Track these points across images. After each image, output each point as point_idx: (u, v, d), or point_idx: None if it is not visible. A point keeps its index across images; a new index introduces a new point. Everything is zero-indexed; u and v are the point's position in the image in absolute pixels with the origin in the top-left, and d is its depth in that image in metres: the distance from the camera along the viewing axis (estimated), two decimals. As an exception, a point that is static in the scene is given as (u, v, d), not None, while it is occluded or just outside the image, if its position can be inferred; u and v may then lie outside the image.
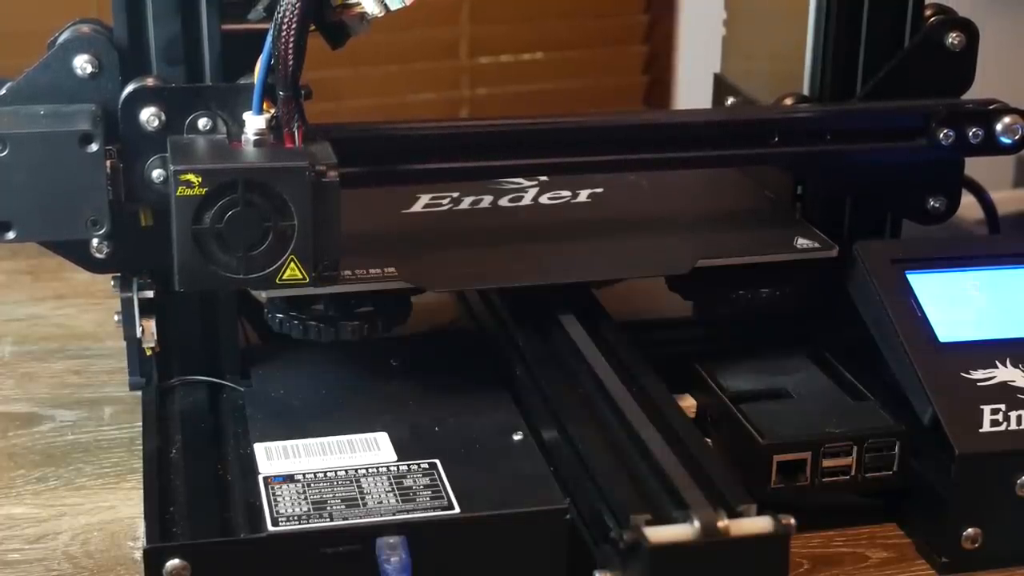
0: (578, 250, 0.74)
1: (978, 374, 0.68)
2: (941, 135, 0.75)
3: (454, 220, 0.77)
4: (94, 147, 0.63)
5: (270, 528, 0.59)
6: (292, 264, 0.62)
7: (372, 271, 0.69)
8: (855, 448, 0.67)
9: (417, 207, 0.78)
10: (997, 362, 0.68)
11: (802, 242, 0.74)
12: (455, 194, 0.79)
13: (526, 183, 0.81)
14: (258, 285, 0.63)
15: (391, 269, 0.69)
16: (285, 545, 0.59)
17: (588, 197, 0.80)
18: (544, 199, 0.80)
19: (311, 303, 0.70)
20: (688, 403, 0.73)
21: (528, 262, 0.72)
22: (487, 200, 0.79)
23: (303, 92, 0.64)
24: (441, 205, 0.78)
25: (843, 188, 0.78)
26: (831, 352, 0.74)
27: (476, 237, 0.75)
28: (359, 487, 0.62)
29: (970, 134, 0.75)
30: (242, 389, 0.72)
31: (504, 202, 0.79)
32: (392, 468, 0.64)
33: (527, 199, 0.80)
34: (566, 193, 0.80)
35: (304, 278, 0.62)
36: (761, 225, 0.78)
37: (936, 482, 0.66)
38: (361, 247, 0.71)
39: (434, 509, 0.60)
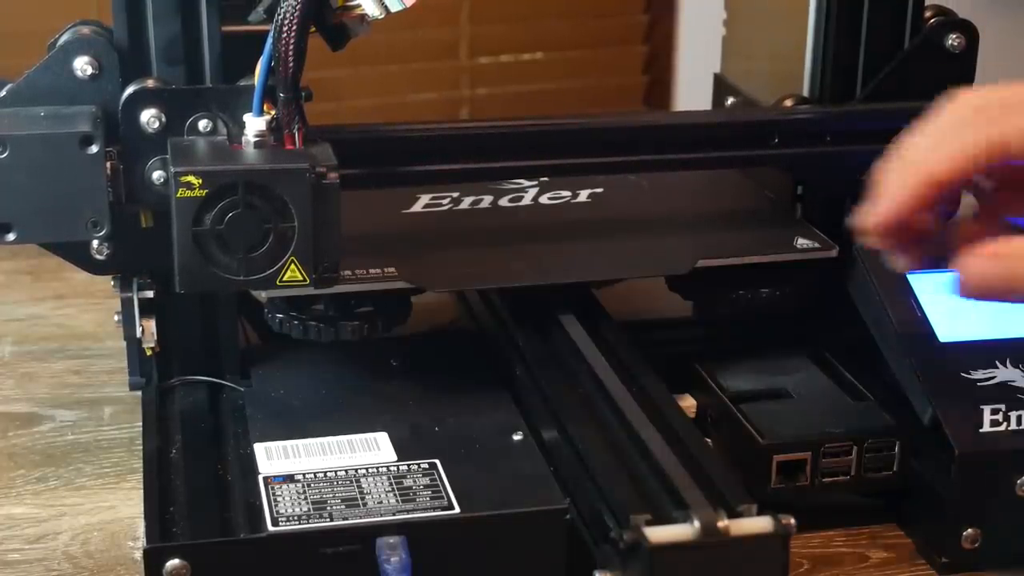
0: (578, 250, 0.74)
1: (978, 374, 0.68)
2: (941, 136, 0.75)
3: (454, 220, 0.77)
4: (94, 149, 0.63)
5: (270, 528, 0.59)
6: (292, 265, 0.62)
7: (372, 271, 0.69)
8: (855, 448, 0.67)
9: (417, 207, 0.78)
10: (997, 362, 0.68)
11: (802, 242, 0.74)
12: (455, 194, 0.79)
13: (526, 183, 0.81)
14: (258, 286, 0.63)
15: (391, 269, 0.69)
16: (285, 545, 0.59)
17: (588, 197, 0.80)
18: (544, 199, 0.80)
19: (311, 303, 0.70)
20: (688, 403, 0.73)
21: (528, 262, 0.72)
22: (487, 200, 0.79)
23: (304, 94, 0.64)
24: (441, 205, 0.78)
25: (843, 189, 0.78)
26: (831, 352, 0.74)
27: (476, 237, 0.75)
28: (359, 487, 0.62)
29: (970, 135, 0.75)
30: (242, 389, 0.72)
31: (504, 202, 0.79)
32: (392, 468, 0.64)
33: (527, 199, 0.80)
34: (566, 193, 0.80)
35: (305, 279, 0.62)
36: (761, 225, 0.78)
37: (936, 482, 0.66)
38: (361, 247, 0.71)
39: (434, 509, 0.60)
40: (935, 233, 0.61)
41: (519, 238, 0.75)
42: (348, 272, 0.68)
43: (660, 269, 0.74)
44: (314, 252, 0.62)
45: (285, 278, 0.62)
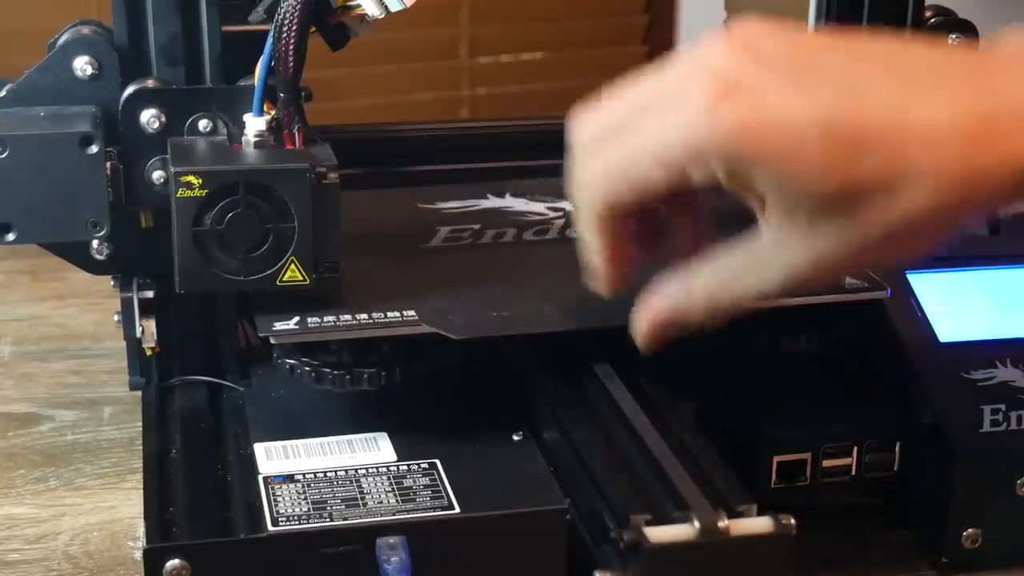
0: None
1: (978, 374, 0.68)
2: (941, 136, 0.75)
3: (476, 256, 0.73)
4: (94, 149, 0.63)
5: (270, 528, 0.59)
6: (293, 266, 0.62)
7: (391, 315, 0.65)
8: (855, 448, 0.67)
9: (436, 241, 0.74)
10: (997, 362, 0.68)
11: (851, 282, 0.69)
12: (476, 226, 0.76)
13: (551, 215, 0.77)
14: (259, 286, 0.63)
15: (411, 313, 0.65)
16: (285, 545, 0.59)
17: None
18: (571, 232, 0.74)
19: (325, 349, 0.66)
20: (688, 403, 0.72)
21: (556, 304, 0.68)
22: (510, 233, 0.75)
23: (303, 93, 0.64)
24: (462, 239, 0.74)
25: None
26: (831, 352, 0.74)
27: (501, 275, 0.71)
28: (359, 487, 0.62)
29: (970, 135, 0.75)
30: (242, 389, 0.72)
31: (529, 235, 0.75)
32: (392, 468, 0.64)
33: (553, 232, 0.76)
34: None
35: (305, 280, 0.62)
36: None
37: (936, 482, 0.66)
38: (379, 286, 0.67)
39: (434, 509, 0.61)
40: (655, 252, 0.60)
41: (545, 276, 0.71)
42: (365, 316, 0.64)
43: None
44: (314, 252, 0.62)
45: (285, 278, 0.62)
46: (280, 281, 0.62)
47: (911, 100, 0.52)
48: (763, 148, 0.51)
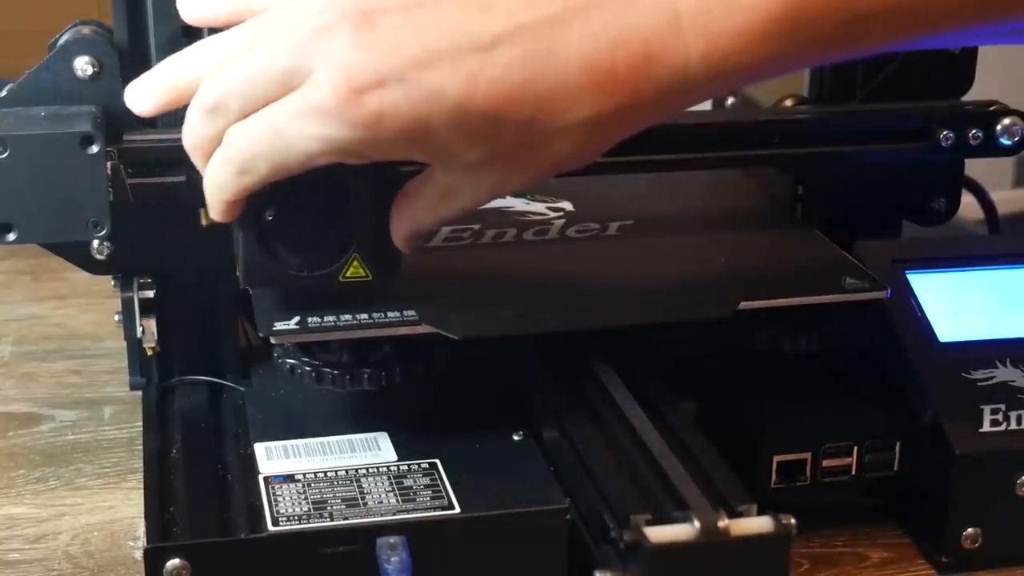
0: (610, 291, 0.70)
1: (978, 374, 0.68)
2: (941, 137, 0.75)
3: (477, 256, 0.73)
4: (94, 149, 0.63)
5: (270, 528, 0.59)
6: (356, 262, 0.62)
7: (391, 315, 0.65)
8: (855, 448, 0.67)
9: (437, 241, 0.74)
10: (997, 362, 0.68)
11: (850, 282, 0.69)
12: (476, 226, 0.75)
13: (551, 214, 0.77)
14: (322, 281, 0.62)
15: (411, 313, 0.65)
16: (285, 545, 0.59)
17: (618, 230, 0.76)
18: (572, 232, 0.76)
19: (325, 349, 0.66)
20: (688, 403, 0.72)
21: (557, 304, 0.68)
22: (511, 233, 0.75)
23: None
24: (462, 239, 0.74)
25: (843, 189, 0.78)
26: (831, 352, 0.74)
27: (501, 275, 0.71)
28: (359, 487, 0.62)
29: (970, 136, 0.75)
30: (242, 389, 0.72)
31: (529, 235, 0.75)
32: (392, 468, 0.64)
33: (553, 232, 0.76)
34: (595, 226, 0.76)
35: (367, 275, 0.62)
36: (803, 260, 0.73)
37: (936, 482, 0.66)
38: (378, 286, 0.66)
39: (434, 509, 0.61)
40: None
41: (546, 277, 0.71)
42: (365, 316, 0.64)
43: (699, 313, 0.69)
44: (375, 247, 0.61)
45: (348, 274, 0.62)
46: (343, 277, 0.62)
47: (534, 56, 0.52)
48: (401, 139, 0.53)
